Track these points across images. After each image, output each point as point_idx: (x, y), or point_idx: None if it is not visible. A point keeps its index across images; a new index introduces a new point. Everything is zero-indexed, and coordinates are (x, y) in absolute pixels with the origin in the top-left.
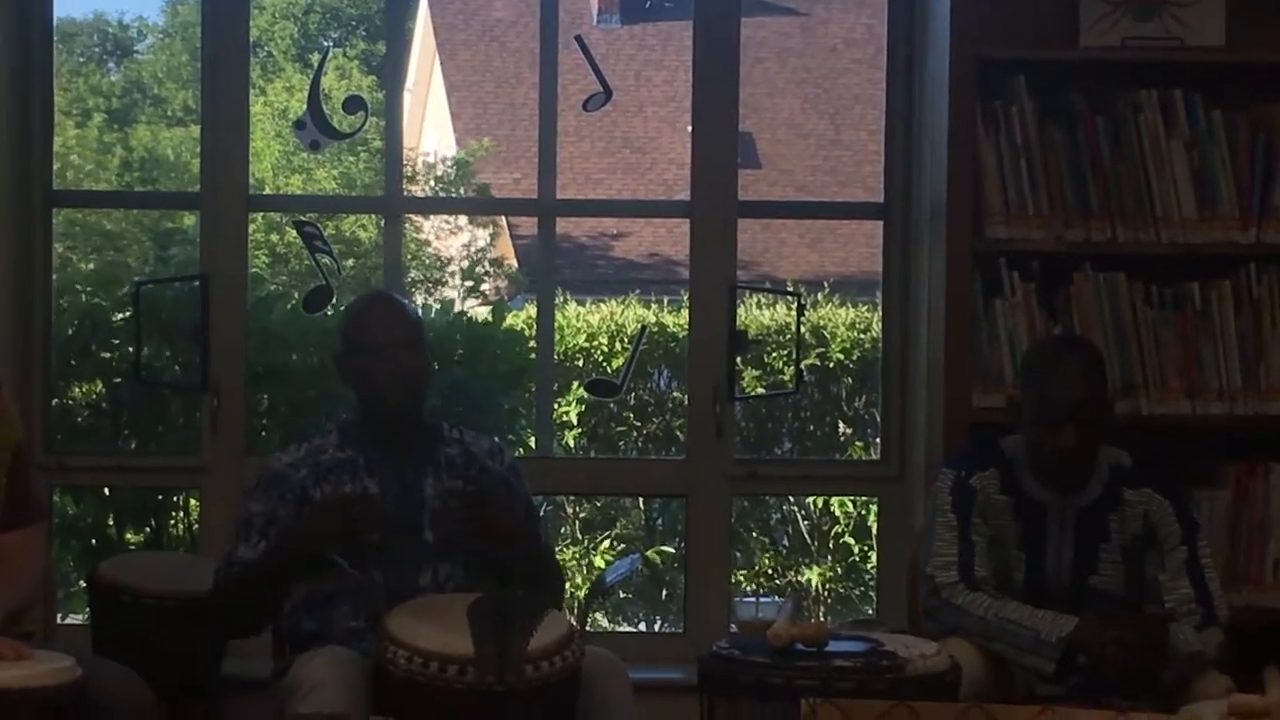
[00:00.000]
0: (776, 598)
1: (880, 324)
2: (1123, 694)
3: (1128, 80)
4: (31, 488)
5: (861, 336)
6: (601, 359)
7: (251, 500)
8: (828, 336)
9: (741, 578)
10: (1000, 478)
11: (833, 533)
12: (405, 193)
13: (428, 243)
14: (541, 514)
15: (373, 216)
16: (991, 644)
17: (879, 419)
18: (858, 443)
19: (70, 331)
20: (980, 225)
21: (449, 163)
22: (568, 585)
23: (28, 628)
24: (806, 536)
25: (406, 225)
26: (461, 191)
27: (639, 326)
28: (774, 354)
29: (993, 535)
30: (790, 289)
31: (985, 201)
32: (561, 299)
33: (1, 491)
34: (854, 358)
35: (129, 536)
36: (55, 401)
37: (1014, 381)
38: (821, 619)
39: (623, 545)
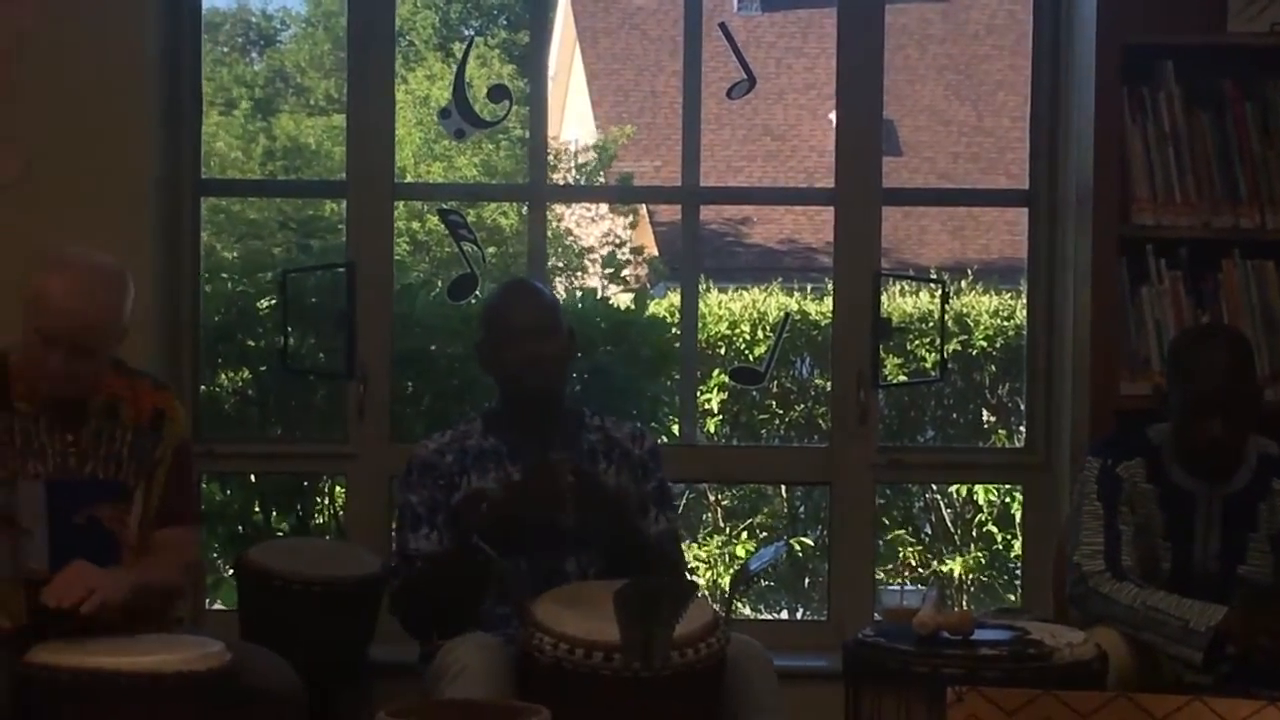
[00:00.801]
0: (920, 586)
1: (1025, 311)
2: (1272, 683)
3: (1276, 66)
4: (191, 488)
5: (1005, 324)
6: (743, 346)
7: (408, 491)
8: (971, 324)
9: (885, 567)
10: (1146, 467)
11: (976, 521)
12: (549, 181)
13: (568, 231)
14: (683, 502)
15: (513, 204)
16: (1139, 633)
17: (1023, 407)
18: (1001, 431)
19: (217, 319)
20: (1127, 212)
21: (590, 151)
22: (711, 573)
23: (178, 614)
24: (949, 525)
25: (548, 213)
26: (602, 179)
27: (780, 314)
28: (916, 341)
29: (1139, 524)
30: (934, 276)
31: (1132, 188)
32: (704, 287)
33: (160, 487)
34: (997, 345)
35: (276, 523)
36: (203, 389)
37: (1160, 369)
38: (965, 607)
39: (764, 534)
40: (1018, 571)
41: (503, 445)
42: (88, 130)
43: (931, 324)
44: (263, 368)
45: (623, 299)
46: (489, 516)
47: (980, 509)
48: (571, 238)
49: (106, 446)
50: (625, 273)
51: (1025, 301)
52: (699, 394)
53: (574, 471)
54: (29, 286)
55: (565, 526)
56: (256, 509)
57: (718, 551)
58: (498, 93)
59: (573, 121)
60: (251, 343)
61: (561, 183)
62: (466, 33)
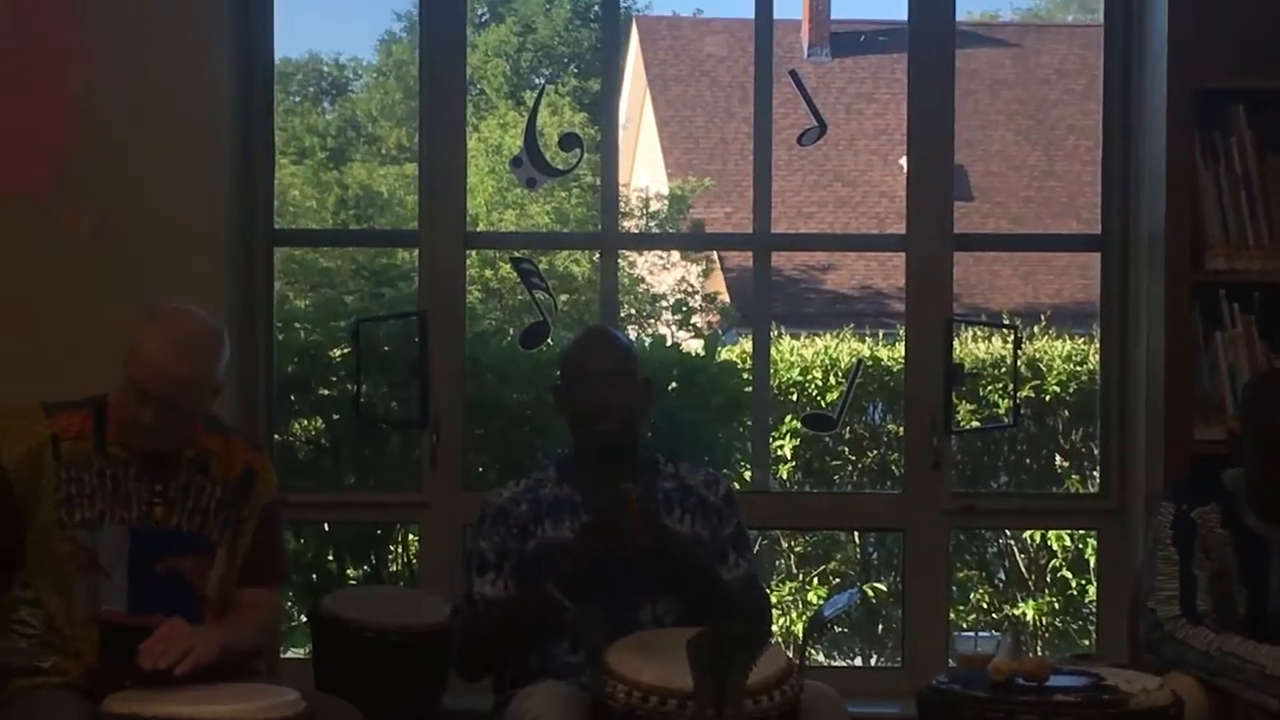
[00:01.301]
0: (994, 631)
1: (1098, 356)
2: None
3: None
4: (277, 547)
5: (1078, 369)
6: (816, 393)
7: (480, 537)
8: (1043, 369)
9: (958, 608)
10: (1221, 512)
11: (1050, 566)
12: (620, 228)
13: (641, 279)
14: (756, 548)
15: (586, 252)
16: (1215, 679)
17: (1097, 452)
18: (1074, 476)
19: (290, 368)
20: (1199, 256)
21: (663, 199)
22: (784, 620)
23: (256, 666)
24: (1023, 570)
25: (620, 260)
26: (674, 227)
27: (853, 360)
28: (989, 387)
29: (1215, 570)
30: (1006, 321)
31: (1204, 232)
32: (776, 333)
33: (246, 546)
34: (1070, 390)
35: (349, 571)
36: (276, 438)
37: (1234, 413)
38: (1039, 653)
39: (837, 580)
40: (1092, 617)
41: (576, 494)
42: (160, 181)
43: (1004, 369)
44: (336, 416)
45: (693, 345)
46: (563, 561)
47: (1054, 554)
48: (644, 285)
49: (194, 500)
50: (695, 319)
51: (1098, 346)
52: (771, 440)
53: (641, 499)
54: (133, 337)
55: (636, 560)
56: (330, 558)
57: (791, 598)
58: (569, 141)
59: (644, 169)
60: (324, 391)
61: (634, 230)
62: (538, 81)
